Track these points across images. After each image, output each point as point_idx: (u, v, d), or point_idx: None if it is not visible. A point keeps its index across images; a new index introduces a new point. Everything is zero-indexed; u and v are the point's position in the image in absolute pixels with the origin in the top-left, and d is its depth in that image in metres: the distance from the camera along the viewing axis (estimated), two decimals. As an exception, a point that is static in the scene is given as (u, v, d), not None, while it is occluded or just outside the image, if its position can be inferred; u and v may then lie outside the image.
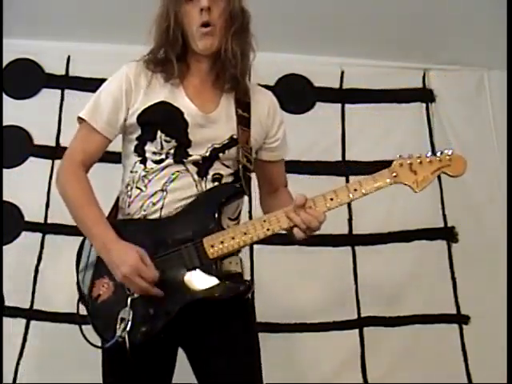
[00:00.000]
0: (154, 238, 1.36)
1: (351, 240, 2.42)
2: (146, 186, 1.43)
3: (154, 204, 1.41)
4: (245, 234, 1.34)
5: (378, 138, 2.58)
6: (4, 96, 2.45)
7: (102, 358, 1.41)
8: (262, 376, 1.39)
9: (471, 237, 2.45)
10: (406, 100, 2.63)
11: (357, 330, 2.32)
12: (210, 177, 1.43)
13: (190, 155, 1.42)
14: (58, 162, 2.39)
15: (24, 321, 2.21)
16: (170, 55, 1.44)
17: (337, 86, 2.61)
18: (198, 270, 1.31)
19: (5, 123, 2.42)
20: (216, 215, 1.37)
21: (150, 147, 1.43)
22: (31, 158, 2.41)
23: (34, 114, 2.46)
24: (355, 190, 1.33)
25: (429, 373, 2.26)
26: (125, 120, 1.44)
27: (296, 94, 2.55)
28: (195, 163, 1.42)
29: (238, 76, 1.45)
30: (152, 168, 1.43)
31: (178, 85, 1.46)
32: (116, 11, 2.32)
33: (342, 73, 2.61)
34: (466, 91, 2.66)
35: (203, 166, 1.43)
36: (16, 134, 2.42)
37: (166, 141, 1.42)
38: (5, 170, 2.36)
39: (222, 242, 1.33)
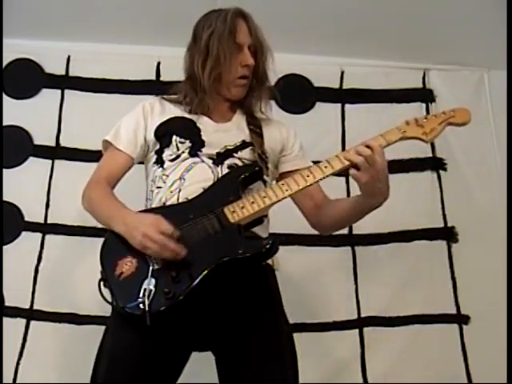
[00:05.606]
0: (175, 217, 1.32)
1: (351, 240, 2.42)
2: (164, 182, 1.47)
3: (171, 192, 1.44)
4: (264, 197, 1.35)
5: (378, 137, 2.57)
6: (4, 96, 2.45)
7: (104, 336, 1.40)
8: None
9: (471, 237, 2.45)
10: (406, 100, 2.62)
11: (357, 330, 2.32)
12: (225, 166, 1.46)
13: (204, 152, 1.48)
14: (58, 162, 2.42)
15: (24, 321, 2.20)
16: (194, 98, 1.53)
17: (337, 86, 2.61)
18: (219, 234, 1.32)
19: (5, 123, 2.42)
20: (237, 189, 1.39)
21: (167, 152, 1.50)
22: (31, 158, 2.41)
23: (34, 114, 2.45)
24: (367, 146, 1.37)
25: (429, 373, 2.26)
26: (145, 139, 1.53)
27: (296, 93, 2.54)
28: (210, 157, 1.47)
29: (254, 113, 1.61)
30: (169, 166, 1.48)
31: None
32: (116, 11, 2.32)
33: (342, 73, 2.62)
34: (466, 91, 2.65)
35: (218, 159, 1.47)
36: (16, 134, 2.42)
37: (180, 142, 1.49)
38: (5, 170, 2.36)
39: (242, 208, 1.34)
